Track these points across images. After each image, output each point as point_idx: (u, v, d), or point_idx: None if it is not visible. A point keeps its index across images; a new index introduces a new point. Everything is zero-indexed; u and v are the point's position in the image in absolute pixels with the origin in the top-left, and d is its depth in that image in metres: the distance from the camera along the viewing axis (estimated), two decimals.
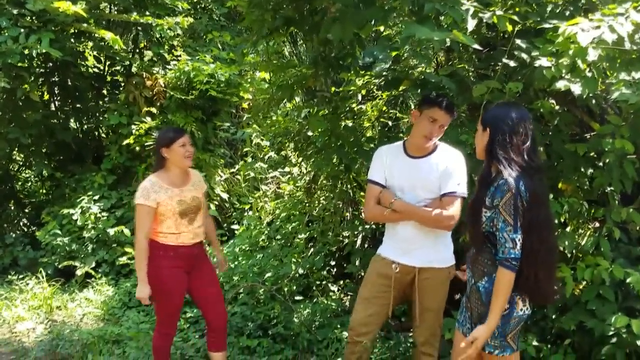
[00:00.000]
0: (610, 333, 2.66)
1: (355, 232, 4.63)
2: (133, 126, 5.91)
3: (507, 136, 2.13)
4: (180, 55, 6.28)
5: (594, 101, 3.08)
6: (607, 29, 2.43)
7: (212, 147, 6.18)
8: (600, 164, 3.06)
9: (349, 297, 4.58)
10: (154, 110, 6.03)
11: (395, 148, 2.87)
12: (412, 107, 2.99)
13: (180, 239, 3.08)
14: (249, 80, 5.97)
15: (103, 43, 5.88)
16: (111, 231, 5.50)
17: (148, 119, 5.96)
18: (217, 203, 6.08)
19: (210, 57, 6.13)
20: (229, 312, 4.30)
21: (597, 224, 3.05)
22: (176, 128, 3.21)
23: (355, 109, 4.59)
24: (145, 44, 6.76)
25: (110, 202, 5.91)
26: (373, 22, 3.35)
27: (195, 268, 3.20)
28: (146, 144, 5.79)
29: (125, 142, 5.88)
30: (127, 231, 5.50)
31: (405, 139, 2.93)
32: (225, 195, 6.16)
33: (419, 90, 3.70)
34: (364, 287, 2.85)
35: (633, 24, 2.46)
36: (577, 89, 2.49)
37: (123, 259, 5.32)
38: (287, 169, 6.18)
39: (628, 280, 2.64)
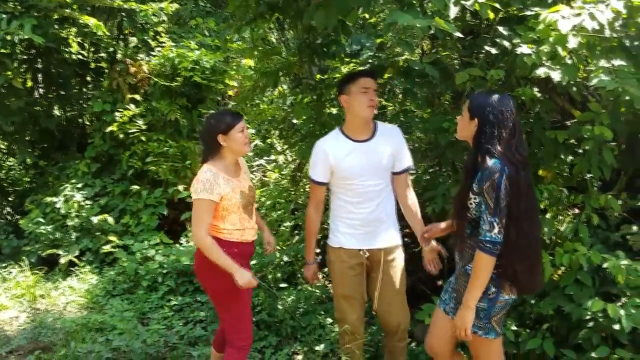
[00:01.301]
0: (587, 317, 2.71)
1: None
2: (117, 113, 5.86)
3: (495, 129, 2.15)
4: (164, 42, 6.22)
5: (575, 89, 3.10)
6: (588, 17, 2.45)
7: (197, 135, 6.14)
8: (580, 151, 3.10)
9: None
10: (138, 97, 5.97)
11: (334, 138, 2.80)
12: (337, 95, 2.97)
13: (244, 235, 2.77)
14: (235, 67, 5.92)
15: (87, 29, 5.80)
16: (95, 219, 5.47)
17: (132, 106, 5.91)
18: None
19: (195, 43, 6.07)
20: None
21: (577, 211, 3.09)
22: (232, 112, 2.82)
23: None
24: (129, 30, 6.68)
25: (94, 190, 5.86)
26: (358, 9, 3.35)
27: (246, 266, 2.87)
28: (130, 131, 5.73)
29: (109, 129, 5.82)
30: (110, 219, 5.48)
31: (339, 126, 2.87)
32: None
33: (404, 78, 3.71)
34: (341, 284, 2.82)
35: (613, 11, 2.48)
36: (556, 76, 2.51)
37: (107, 247, 5.29)
38: (272, 157, 6.16)
39: (605, 266, 2.67)
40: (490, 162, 2.10)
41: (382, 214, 2.75)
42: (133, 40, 6.53)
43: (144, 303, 4.55)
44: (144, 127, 5.86)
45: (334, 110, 4.27)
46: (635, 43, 2.76)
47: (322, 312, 4.02)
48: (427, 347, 2.54)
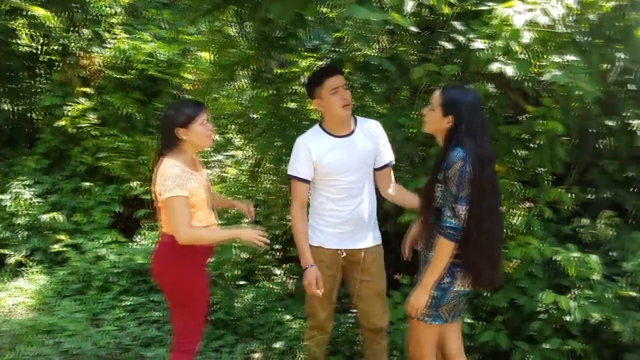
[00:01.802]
0: (540, 309, 2.75)
1: None
2: (68, 107, 5.66)
3: (469, 126, 2.16)
4: (118, 34, 6.03)
5: (528, 84, 3.15)
6: (541, 12, 2.48)
7: (152, 130, 5.97)
8: (533, 145, 3.15)
9: (293, 280, 4.56)
10: (89, 90, 5.79)
11: (315, 134, 2.72)
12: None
13: None
14: (192, 60, 5.80)
15: (37, 21, 5.57)
16: (44, 217, 5.27)
17: (83, 99, 5.72)
18: None
19: (150, 35, 5.91)
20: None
21: (529, 204, 3.14)
22: (194, 102, 2.57)
23: (299, 91, 4.54)
24: (82, 22, 6.46)
25: (44, 187, 5.64)
26: (316, 3, 3.31)
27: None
28: (81, 125, 5.55)
29: (59, 123, 5.62)
30: (61, 217, 5.28)
31: (319, 122, 2.79)
32: None
33: (362, 73, 3.70)
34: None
35: (565, 7, 2.52)
36: (510, 71, 2.53)
37: (57, 247, 5.10)
38: (231, 152, 6.07)
39: (557, 258, 2.72)
40: (454, 152, 2.12)
41: (364, 212, 2.67)
42: (86, 33, 6.32)
43: (96, 304, 4.39)
44: (96, 121, 5.67)
45: (293, 105, 4.22)
46: (587, 39, 2.82)
47: (281, 309, 3.97)
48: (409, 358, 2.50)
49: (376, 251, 2.74)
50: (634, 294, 2.69)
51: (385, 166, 2.75)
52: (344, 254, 2.67)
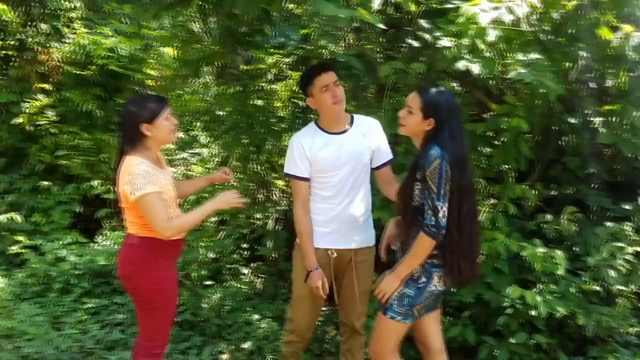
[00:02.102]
0: (506, 304, 2.79)
1: (267, 214, 4.57)
2: (25, 104, 5.46)
3: (451, 129, 2.16)
4: (77, 29, 5.85)
5: (492, 82, 3.19)
6: (506, 10, 2.50)
7: (114, 127, 5.82)
8: (497, 143, 3.20)
9: (260, 279, 4.52)
10: (48, 87, 5.61)
11: (310, 131, 2.69)
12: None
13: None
14: (155, 55, 5.67)
15: None
16: (2, 218, 5.07)
17: (41, 96, 5.54)
18: None
19: (110, 30, 5.75)
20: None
21: (494, 201, 3.18)
22: (156, 96, 2.49)
23: (266, 88, 4.49)
24: (40, 16, 6.23)
25: (1, 187, 5.45)
26: None
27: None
28: (39, 123, 5.37)
29: (16, 121, 5.43)
30: (19, 218, 5.10)
31: (314, 120, 2.76)
32: None
33: None
34: (303, 286, 2.65)
35: (529, 5, 2.55)
36: (476, 69, 2.55)
37: (15, 248, 4.91)
38: (196, 150, 5.97)
39: (523, 254, 2.76)
40: (430, 150, 2.12)
41: (357, 211, 2.62)
42: (44, 27, 6.10)
43: (57, 307, 4.25)
44: (54, 118, 5.50)
45: (260, 102, 4.16)
46: (550, 37, 2.87)
47: (249, 309, 3.93)
48: (370, 353, 2.49)
49: (367, 252, 2.69)
50: (598, 288, 2.76)
51: (384, 165, 2.70)
52: (335, 254, 2.61)
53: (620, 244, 2.75)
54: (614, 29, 2.85)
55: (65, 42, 5.79)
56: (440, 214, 2.10)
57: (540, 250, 2.74)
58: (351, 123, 2.68)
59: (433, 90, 2.27)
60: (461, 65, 2.58)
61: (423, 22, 2.99)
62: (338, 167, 2.59)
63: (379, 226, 3.20)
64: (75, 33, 5.78)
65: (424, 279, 2.21)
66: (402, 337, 2.35)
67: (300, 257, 2.66)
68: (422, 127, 2.22)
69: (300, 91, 2.75)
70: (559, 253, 2.73)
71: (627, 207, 3.05)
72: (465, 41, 2.54)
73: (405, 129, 2.31)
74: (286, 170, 2.67)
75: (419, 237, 2.14)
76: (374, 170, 2.72)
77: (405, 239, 2.26)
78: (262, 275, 4.49)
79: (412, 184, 2.20)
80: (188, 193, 2.93)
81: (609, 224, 2.92)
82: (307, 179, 2.63)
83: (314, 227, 2.64)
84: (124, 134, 2.43)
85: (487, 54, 2.61)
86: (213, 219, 4.92)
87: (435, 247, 2.17)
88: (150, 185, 2.26)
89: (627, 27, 2.81)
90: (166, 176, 2.44)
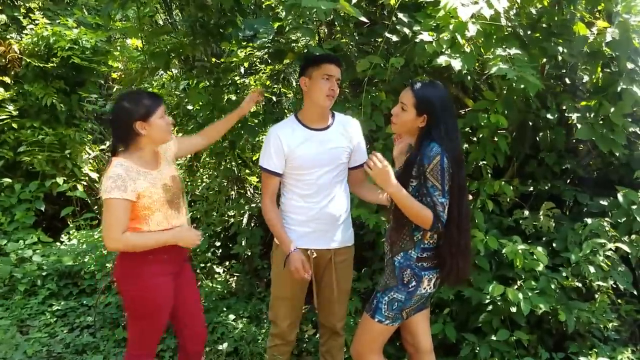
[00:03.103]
0: (487, 301, 2.79)
1: (241, 212, 4.47)
2: None
3: (446, 126, 2.10)
4: (38, 20, 5.61)
5: (469, 78, 3.17)
6: (485, 4, 2.47)
7: (77, 122, 5.64)
8: (475, 139, 3.18)
9: (235, 278, 4.44)
10: (7, 79, 5.37)
11: (289, 124, 2.60)
12: (297, 77, 2.74)
13: None
14: (119, 47, 5.48)
15: None
16: None
17: (0, 89, 5.30)
18: (85, 184, 5.58)
19: (73, 21, 5.52)
20: (102, 302, 3.97)
21: (471, 197, 3.17)
22: (150, 93, 2.37)
23: (238, 82, 4.38)
24: None
25: None
26: None
27: (179, 273, 2.46)
28: None
29: None
30: None
31: (294, 113, 2.68)
32: (94, 175, 5.66)
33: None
34: (282, 286, 2.60)
35: (509, 0, 2.53)
36: (457, 64, 2.51)
37: None
38: None
39: (504, 251, 2.76)
40: (429, 147, 2.07)
41: (336, 210, 2.55)
42: (1, 17, 5.83)
43: (22, 309, 4.11)
44: (15, 113, 5.29)
45: (233, 97, 4.05)
46: (528, 32, 2.87)
47: (225, 309, 3.84)
48: (352, 353, 2.43)
49: (347, 252, 2.64)
50: (579, 284, 2.77)
51: (359, 166, 2.63)
52: (315, 254, 2.54)
53: (601, 240, 2.77)
54: (589, 25, 2.86)
55: (25, 34, 5.55)
56: (445, 211, 2.07)
57: (521, 247, 2.74)
58: (332, 121, 2.61)
59: (426, 85, 2.20)
60: (442, 60, 2.54)
61: (401, 16, 2.93)
62: (317, 165, 2.52)
63: (358, 225, 3.17)
64: (35, 24, 5.54)
65: (414, 283, 2.17)
66: (387, 338, 2.31)
67: (279, 256, 2.58)
68: (416, 123, 2.16)
69: (300, 70, 2.64)
70: (539, 250, 2.74)
71: (603, 202, 3.08)
72: (446, 36, 2.50)
73: (398, 126, 2.24)
74: (260, 162, 2.60)
75: (427, 211, 2.05)
76: (349, 170, 2.66)
77: (396, 240, 2.21)
78: (236, 274, 4.41)
79: (407, 182, 2.13)
80: (220, 132, 2.82)
81: (588, 220, 2.93)
82: (279, 175, 2.56)
83: (292, 226, 2.57)
84: (116, 132, 2.33)
85: (467, 49, 2.58)
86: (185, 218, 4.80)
87: (428, 249, 2.15)
88: (117, 190, 2.17)
89: (601, 23, 2.82)
90: (156, 177, 2.31)
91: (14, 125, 5.27)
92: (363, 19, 2.44)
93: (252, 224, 4.49)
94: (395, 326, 2.25)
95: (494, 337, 2.78)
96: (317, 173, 2.52)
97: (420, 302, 2.26)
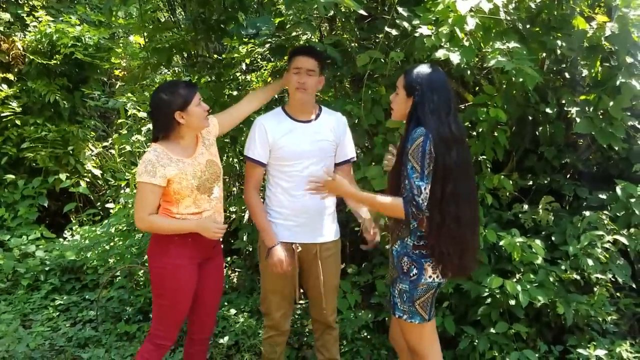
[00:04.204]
0: (485, 294, 2.79)
1: (243, 207, 4.48)
2: None
3: (431, 105, 2.06)
4: (41, 17, 5.64)
5: (468, 72, 3.18)
6: None
7: (80, 119, 5.68)
8: (474, 133, 3.19)
9: (236, 273, 4.45)
10: (10, 76, 5.40)
11: (274, 115, 2.63)
12: None
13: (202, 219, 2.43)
14: (122, 44, 5.51)
15: None
16: None
17: (4, 86, 5.35)
18: (88, 180, 5.61)
19: (76, 18, 5.55)
20: (104, 297, 4.00)
21: None
22: (186, 82, 2.44)
23: (240, 78, 4.39)
24: (1, 4, 5.99)
25: None
26: None
27: (207, 261, 2.52)
28: (2, 114, 5.16)
29: None
30: None
31: (281, 106, 2.70)
32: (97, 171, 5.70)
33: None
34: (270, 278, 2.61)
35: None
36: (456, 58, 2.52)
37: None
38: None
39: (501, 243, 2.77)
40: (415, 129, 2.05)
41: (320, 204, 2.53)
42: (5, 15, 5.86)
43: (25, 304, 4.15)
44: (18, 109, 5.34)
45: (235, 93, 4.07)
46: (527, 26, 2.87)
47: (226, 303, 3.86)
48: (390, 338, 2.51)
49: (333, 246, 2.64)
50: (577, 277, 2.78)
51: (345, 162, 2.66)
52: (299, 249, 2.55)
53: (599, 233, 2.77)
54: (588, 19, 2.86)
55: (28, 31, 5.58)
56: (422, 195, 2.01)
57: (519, 240, 2.74)
58: (318, 115, 2.63)
59: (417, 67, 2.18)
60: (441, 54, 2.55)
61: (401, 10, 2.94)
62: (301, 157, 2.54)
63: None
64: (39, 21, 5.58)
65: (415, 271, 2.13)
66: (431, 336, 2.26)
67: (263, 248, 2.60)
68: (407, 106, 2.14)
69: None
70: (537, 242, 2.74)
71: (602, 196, 3.08)
72: (445, 29, 2.52)
73: (394, 112, 2.25)
74: (245, 151, 2.62)
75: (397, 200, 2.05)
76: (335, 165, 2.67)
77: (395, 228, 2.20)
78: (238, 270, 4.42)
79: (400, 169, 2.11)
80: (263, 99, 2.83)
81: (586, 213, 2.94)
82: (263, 165, 2.58)
83: (276, 220, 2.59)
84: (156, 123, 2.41)
85: (466, 43, 2.59)
86: None
87: (424, 236, 2.11)
88: (146, 175, 2.29)
89: (601, 17, 2.82)
90: (188, 164, 2.37)
91: (18, 122, 5.32)
92: (363, 12, 2.45)
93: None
94: (419, 323, 2.17)
95: (492, 330, 2.79)
96: (302, 165, 2.53)
97: (432, 294, 2.19)
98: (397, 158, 2.19)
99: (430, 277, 2.14)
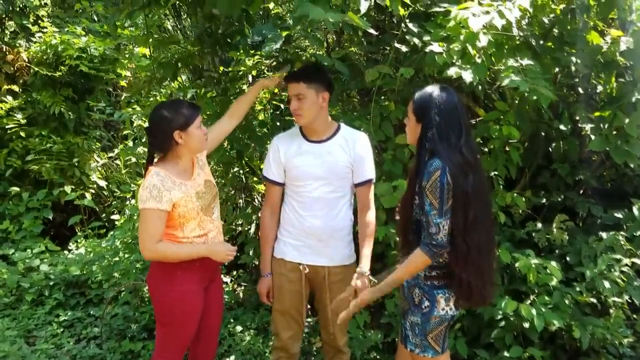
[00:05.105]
0: (499, 317, 2.72)
1: (249, 221, 4.43)
2: None
3: (441, 130, 1.97)
4: (46, 28, 5.62)
5: (479, 87, 3.12)
6: (497, 15, 2.43)
7: (86, 130, 5.64)
8: (486, 150, 3.13)
9: (242, 288, 4.40)
10: (15, 88, 5.38)
11: (290, 135, 2.60)
12: None
13: (208, 240, 2.37)
14: (128, 55, 5.48)
15: None
16: None
17: (9, 97, 5.31)
18: (93, 191, 5.57)
19: (82, 29, 5.53)
20: (109, 313, 3.94)
21: None
22: (189, 102, 2.35)
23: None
24: (6, 14, 5.98)
25: None
26: None
27: (210, 283, 2.47)
28: (7, 126, 5.14)
29: None
30: None
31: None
32: (103, 183, 5.65)
33: None
34: (278, 299, 2.58)
35: (520, 9, 2.48)
36: (468, 76, 2.47)
37: None
38: None
39: (516, 265, 2.70)
40: (431, 161, 1.95)
41: (332, 227, 2.48)
42: (10, 25, 5.85)
43: (29, 320, 4.08)
44: (23, 121, 5.30)
45: None
46: (540, 42, 2.81)
47: (232, 320, 3.80)
48: None
49: (343, 272, 2.54)
50: (594, 300, 2.71)
51: (361, 183, 2.53)
52: (307, 270, 2.50)
53: (617, 256, 2.70)
54: (602, 33, 2.81)
55: (34, 42, 5.57)
56: (442, 233, 1.93)
57: (534, 261, 2.67)
58: (335, 133, 2.55)
59: (426, 90, 2.08)
60: (453, 72, 2.50)
61: (411, 26, 2.89)
62: (313, 178, 2.48)
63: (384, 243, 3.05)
64: (44, 32, 5.56)
65: (427, 304, 2.05)
66: None
67: (275, 269, 2.58)
68: (417, 131, 2.05)
69: None
70: (553, 264, 2.67)
71: (618, 215, 3.01)
72: (457, 46, 2.46)
73: (408, 138, 2.16)
74: (263, 171, 2.62)
75: (416, 254, 1.98)
76: (355, 186, 2.57)
77: (403, 257, 2.10)
78: (244, 284, 4.37)
79: (412, 198, 2.04)
80: (246, 108, 2.76)
81: (603, 234, 2.87)
82: (279, 184, 2.56)
83: (286, 238, 2.56)
84: (154, 140, 2.32)
85: (478, 60, 2.54)
86: None
87: (436, 267, 2.03)
88: (152, 201, 2.19)
89: (614, 32, 2.77)
90: (191, 186, 2.32)
91: (22, 134, 5.28)
92: (372, 31, 2.40)
93: (259, 234, 4.45)
94: (430, 358, 2.09)
95: (506, 354, 2.72)
96: (312, 186, 2.48)
97: (445, 327, 2.10)
98: (408, 187, 2.12)
99: (443, 309, 2.05)
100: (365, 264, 2.41)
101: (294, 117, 2.49)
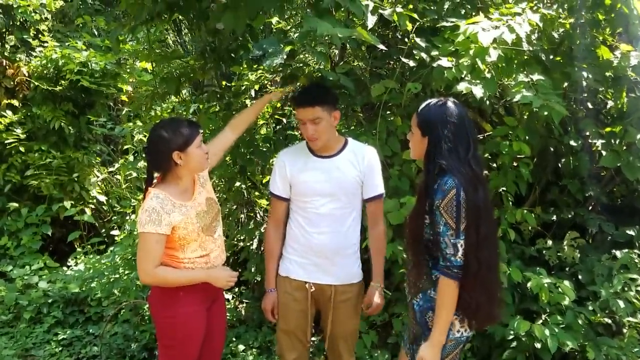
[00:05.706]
0: (511, 337, 2.66)
1: (252, 236, 4.37)
2: None
3: (449, 144, 1.91)
4: (47, 42, 5.60)
5: (487, 102, 3.08)
6: (507, 29, 2.40)
7: (86, 144, 5.60)
8: (495, 165, 3.09)
9: (244, 305, 4.32)
10: (15, 102, 5.34)
11: (296, 149, 2.53)
12: None
13: (210, 261, 2.31)
14: (129, 70, 5.46)
15: None
16: None
17: (9, 112, 5.27)
18: (93, 207, 5.50)
19: (82, 44, 5.51)
20: (109, 332, 3.86)
21: None
22: (189, 121, 2.28)
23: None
24: (6, 28, 5.96)
25: None
26: (267, 12, 3.12)
27: (213, 302, 2.41)
28: (6, 141, 5.09)
29: None
30: None
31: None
32: (102, 198, 5.59)
33: None
34: (282, 318, 2.51)
35: (530, 24, 2.46)
36: (478, 91, 2.43)
37: None
38: None
39: (528, 285, 2.63)
40: (444, 179, 1.88)
41: (339, 244, 2.42)
42: (11, 39, 5.83)
43: (27, 338, 4.01)
44: (22, 136, 5.25)
45: None
46: (550, 57, 2.78)
47: (234, 339, 3.73)
48: None
49: (350, 290, 2.47)
50: (608, 320, 2.65)
51: (370, 199, 2.48)
52: (313, 289, 2.43)
53: (632, 275, 2.64)
54: (612, 48, 2.78)
55: (34, 56, 5.54)
56: (460, 253, 1.85)
57: (546, 280, 2.61)
58: (343, 148, 2.48)
59: (430, 103, 2.02)
60: (462, 87, 2.46)
61: (418, 40, 2.86)
62: (318, 193, 2.41)
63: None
64: (44, 46, 5.54)
65: None
66: None
67: (280, 288, 2.51)
68: (423, 146, 1.98)
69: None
70: (566, 283, 2.61)
71: (630, 232, 2.95)
72: (466, 61, 2.43)
73: (412, 152, 2.10)
74: (269, 187, 2.56)
75: (442, 284, 1.88)
76: (364, 201, 2.51)
77: (417, 279, 2.03)
78: (246, 301, 4.29)
79: (422, 217, 1.96)
80: (249, 121, 2.71)
81: (616, 252, 2.81)
82: (285, 199, 2.50)
83: (291, 255, 2.50)
84: (154, 161, 2.26)
85: (487, 75, 2.50)
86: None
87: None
88: (151, 224, 2.13)
89: (624, 47, 2.74)
90: (191, 207, 2.25)
91: (22, 149, 5.23)
92: (381, 46, 2.36)
93: (262, 249, 4.38)
94: None
95: None
96: (319, 202, 2.41)
97: (460, 350, 2.03)
98: (417, 204, 2.04)
99: (458, 331, 1.97)
100: (379, 279, 2.42)
101: (309, 141, 2.41)
